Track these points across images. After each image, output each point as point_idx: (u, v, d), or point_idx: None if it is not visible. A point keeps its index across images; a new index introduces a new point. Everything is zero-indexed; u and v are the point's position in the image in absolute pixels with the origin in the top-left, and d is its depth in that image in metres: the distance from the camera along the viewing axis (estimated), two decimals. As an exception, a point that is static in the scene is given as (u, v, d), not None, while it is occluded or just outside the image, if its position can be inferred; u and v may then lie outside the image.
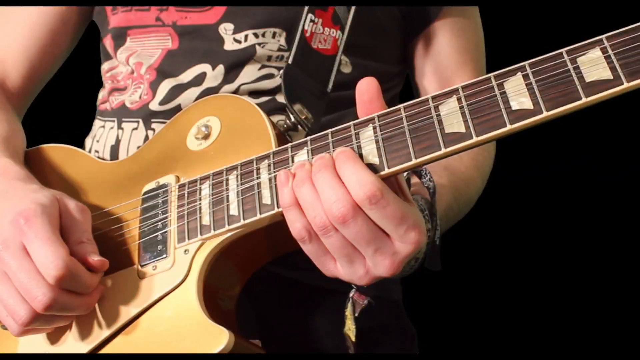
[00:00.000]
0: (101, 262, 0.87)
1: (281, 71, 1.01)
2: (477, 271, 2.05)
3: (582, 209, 1.99)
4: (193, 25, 1.13)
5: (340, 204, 0.74)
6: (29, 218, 0.84)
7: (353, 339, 0.95)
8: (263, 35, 1.11)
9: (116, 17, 1.21)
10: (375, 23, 1.17)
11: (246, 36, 1.11)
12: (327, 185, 0.76)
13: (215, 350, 0.78)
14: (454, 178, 1.10)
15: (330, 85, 1.05)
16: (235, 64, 1.10)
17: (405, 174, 0.85)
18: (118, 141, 1.18)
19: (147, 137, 1.13)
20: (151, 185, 0.96)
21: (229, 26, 1.12)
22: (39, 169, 1.06)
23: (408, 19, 1.23)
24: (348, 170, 0.76)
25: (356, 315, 0.95)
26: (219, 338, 0.79)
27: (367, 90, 0.80)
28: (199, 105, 1.00)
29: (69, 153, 1.10)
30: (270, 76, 1.11)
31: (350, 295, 0.95)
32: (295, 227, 0.79)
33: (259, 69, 1.11)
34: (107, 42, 1.26)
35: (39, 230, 0.83)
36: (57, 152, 1.11)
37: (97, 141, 1.24)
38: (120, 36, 1.21)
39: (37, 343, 0.92)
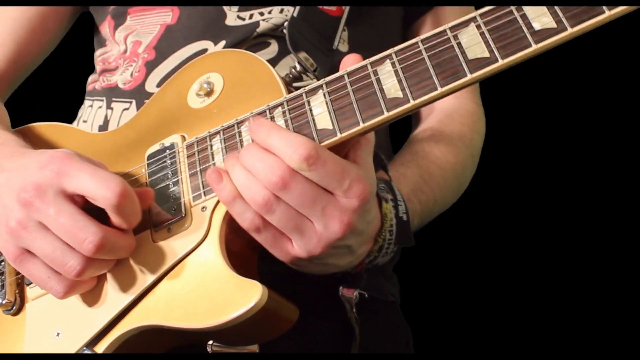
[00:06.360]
0: (150, 191, 0.84)
1: (285, 23, 0.97)
2: (474, 272, 2.03)
3: (579, 209, 1.99)
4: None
5: (276, 168, 0.72)
6: (64, 157, 0.77)
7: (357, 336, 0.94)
8: (270, 12, 1.08)
9: None
10: (377, 8, 1.17)
11: (251, 15, 1.08)
12: (256, 158, 0.74)
13: (250, 304, 0.73)
14: (423, 162, 1.09)
15: (336, 43, 1.03)
16: (238, 39, 1.07)
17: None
18: (107, 121, 1.12)
19: None
20: (155, 147, 0.90)
21: (234, 7, 1.09)
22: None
23: (408, 7, 1.24)
24: (274, 139, 0.74)
25: (355, 311, 0.92)
26: (252, 292, 0.74)
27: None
28: (196, 64, 0.95)
29: (59, 129, 1.04)
30: (264, 45, 1.07)
31: (340, 294, 0.92)
32: (246, 218, 0.76)
33: (254, 37, 1.08)
34: (105, 25, 1.21)
35: (80, 163, 0.77)
36: (45, 129, 1.05)
37: (85, 121, 1.18)
38: (120, 15, 1.17)
39: (48, 323, 0.86)
